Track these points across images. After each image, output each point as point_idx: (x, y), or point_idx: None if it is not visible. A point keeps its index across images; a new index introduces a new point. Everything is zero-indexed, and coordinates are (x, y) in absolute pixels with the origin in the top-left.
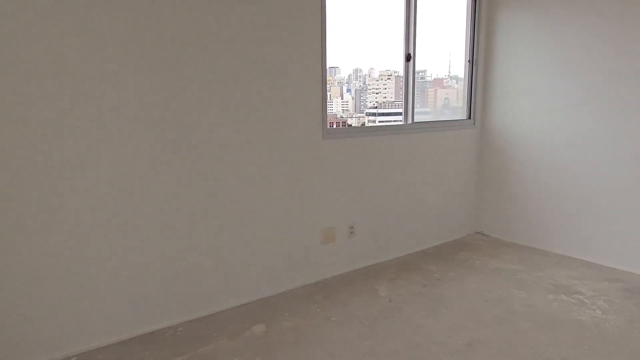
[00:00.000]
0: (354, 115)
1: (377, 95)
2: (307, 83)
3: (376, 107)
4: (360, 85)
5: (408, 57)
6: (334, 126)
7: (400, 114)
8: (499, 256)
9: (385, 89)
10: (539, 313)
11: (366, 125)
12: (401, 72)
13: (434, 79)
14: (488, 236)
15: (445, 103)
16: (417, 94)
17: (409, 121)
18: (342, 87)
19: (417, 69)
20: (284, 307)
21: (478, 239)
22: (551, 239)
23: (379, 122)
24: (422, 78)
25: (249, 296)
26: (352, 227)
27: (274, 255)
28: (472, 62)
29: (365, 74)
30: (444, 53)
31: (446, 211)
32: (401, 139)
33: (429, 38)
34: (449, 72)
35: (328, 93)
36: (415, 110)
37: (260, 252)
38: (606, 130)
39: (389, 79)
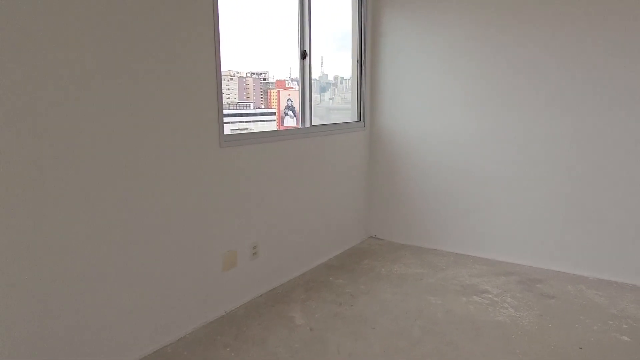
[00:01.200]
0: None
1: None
2: (199, 84)
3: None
4: None
5: (304, 55)
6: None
7: (255, 115)
8: (400, 260)
9: (229, 89)
10: (460, 320)
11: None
12: (244, 73)
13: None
14: (382, 240)
15: (289, 104)
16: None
17: (307, 124)
18: None
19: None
20: (188, 358)
21: (374, 244)
22: (443, 238)
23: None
24: (264, 79)
25: (136, 352)
26: (255, 247)
27: (165, 294)
28: (360, 62)
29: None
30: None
31: (342, 218)
32: (299, 145)
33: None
34: (290, 73)
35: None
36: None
37: (147, 293)
38: (492, 129)
39: (232, 79)
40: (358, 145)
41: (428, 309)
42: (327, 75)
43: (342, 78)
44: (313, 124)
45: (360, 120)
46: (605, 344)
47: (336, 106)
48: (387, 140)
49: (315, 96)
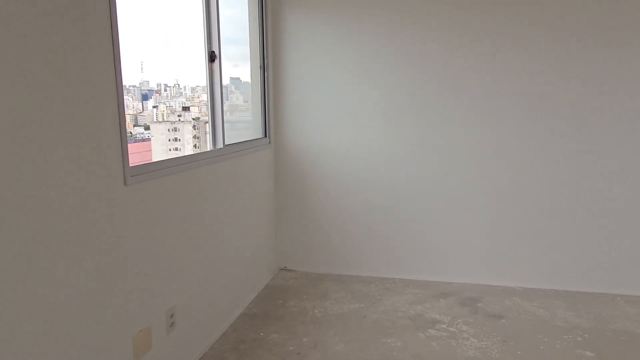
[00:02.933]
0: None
1: None
2: (93, 104)
3: None
4: None
5: (212, 57)
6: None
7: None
8: (328, 295)
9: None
10: None
11: None
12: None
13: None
14: (295, 271)
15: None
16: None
17: (220, 144)
18: None
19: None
20: None
21: (289, 278)
22: (364, 262)
23: None
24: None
25: None
26: (172, 315)
27: None
28: (263, 68)
29: None
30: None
31: (253, 253)
32: (212, 171)
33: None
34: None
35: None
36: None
37: None
38: (412, 142)
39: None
40: (264, 165)
41: (390, 354)
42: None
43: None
44: (226, 143)
45: (266, 136)
46: None
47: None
48: (294, 157)
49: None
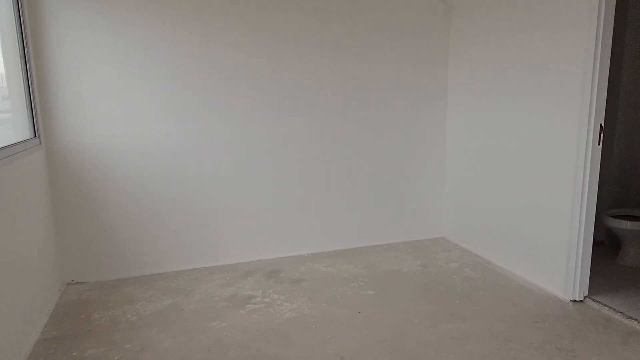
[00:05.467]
0: None
1: None
2: None
3: None
4: None
5: None
6: None
7: None
8: (135, 298)
9: None
10: (261, 333)
11: None
12: None
13: None
14: (86, 283)
15: None
16: None
17: None
18: None
19: None
20: None
21: (82, 292)
22: (163, 258)
23: None
24: None
25: None
26: None
27: None
28: (24, 57)
29: None
30: None
31: (29, 274)
32: None
33: None
34: None
35: None
36: None
37: None
38: (203, 134)
39: None
40: (35, 171)
41: (222, 335)
42: None
43: None
44: None
45: (36, 136)
46: (365, 300)
47: None
48: (74, 158)
49: None
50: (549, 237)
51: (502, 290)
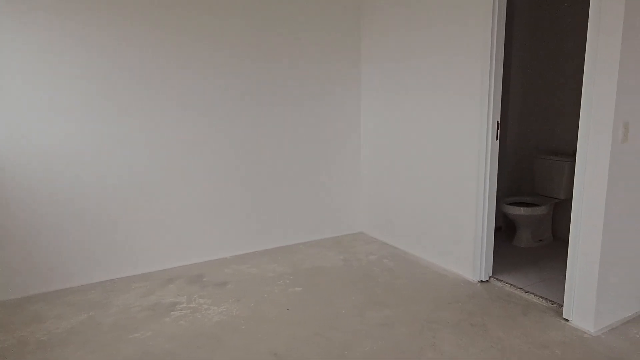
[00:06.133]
0: None
1: None
2: None
3: None
4: None
5: None
6: None
7: None
8: (44, 316)
9: None
10: (191, 339)
11: None
12: None
13: None
14: None
15: None
16: None
17: None
18: None
19: None
20: None
21: None
22: (70, 273)
23: None
24: None
25: None
26: None
27: None
28: None
29: None
30: None
31: None
32: None
33: None
34: None
35: None
36: None
37: None
38: (114, 137)
39: None
40: None
41: (148, 345)
42: None
43: None
44: None
45: None
46: (293, 297)
47: None
48: None
49: None
50: (457, 226)
51: (420, 277)
